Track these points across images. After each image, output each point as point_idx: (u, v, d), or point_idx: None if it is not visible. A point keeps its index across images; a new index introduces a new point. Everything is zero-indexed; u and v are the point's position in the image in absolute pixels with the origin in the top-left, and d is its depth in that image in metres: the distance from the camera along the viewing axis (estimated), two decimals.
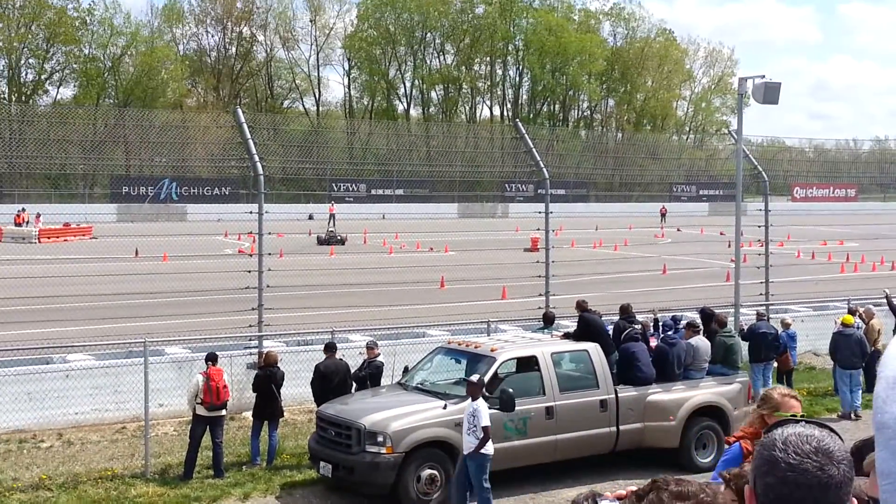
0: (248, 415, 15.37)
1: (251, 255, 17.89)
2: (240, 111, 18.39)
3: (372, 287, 24.19)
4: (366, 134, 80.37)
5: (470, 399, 12.30)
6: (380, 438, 12.58)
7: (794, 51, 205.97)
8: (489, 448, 12.14)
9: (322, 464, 13.13)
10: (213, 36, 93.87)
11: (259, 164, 17.44)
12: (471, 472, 12.17)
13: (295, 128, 74.86)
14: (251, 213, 17.38)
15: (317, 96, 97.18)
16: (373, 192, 67.11)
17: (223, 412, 14.14)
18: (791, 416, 4.85)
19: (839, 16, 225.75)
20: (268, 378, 14.56)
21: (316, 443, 13.45)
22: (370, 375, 15.15)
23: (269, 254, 18.10)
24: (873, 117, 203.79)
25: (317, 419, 13.83)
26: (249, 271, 17.23)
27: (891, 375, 0.66)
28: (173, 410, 16.06)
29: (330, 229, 43.73)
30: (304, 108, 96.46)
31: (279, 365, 14.81)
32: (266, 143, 47.97)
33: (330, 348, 15.17)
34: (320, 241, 41.90)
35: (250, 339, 17.70)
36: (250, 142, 17.59)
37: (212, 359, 14.20)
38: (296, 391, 15.71)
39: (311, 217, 48.99)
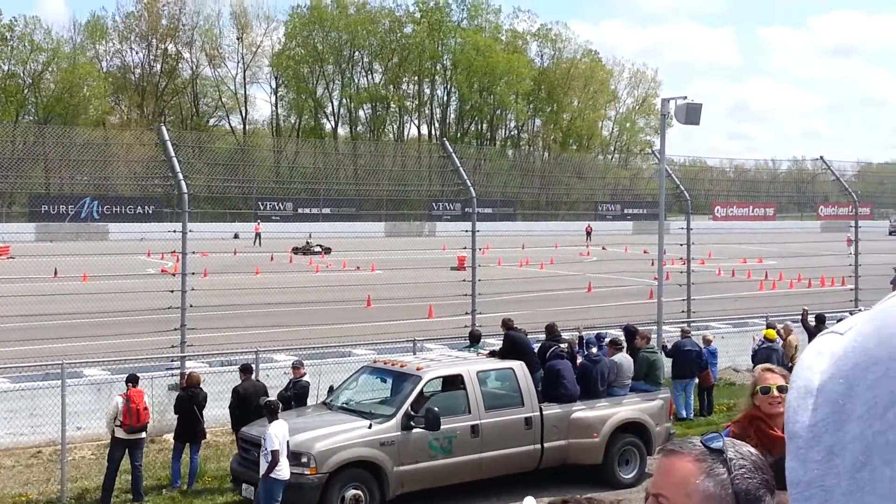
0: (170, 437, 15.11)
1: (174, 275, 17.65)
2: (164, 129, 18.19)
3: (297, 306, 24.02)
4: (293, 152, 79.90)
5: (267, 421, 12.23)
6: (304, 459, 12.46)
7: (714, 72, 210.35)
8: (281, 472, 12.01)
9: (244, 486, 12.96)
10: (137, 53, 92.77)
11: (183, 183, 17.25)
12: (260, 496, 12.06)
13: (221, 146, 74.13)
14: (175, 231, 17.16)
15: (243, 114, 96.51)
16: (299, 210, 66.67)
17: (143, 435, 13.89)
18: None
19: (758, 39, 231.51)
20: (190, 399, 14.34)
21: (238, 465, 13.27)
22: (295, 395, 15.01)
23: (193, 273, 17.87)
24: (790, 138, 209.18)
25: (239, 440, 13.65)
26: (172, 291, 16.98)
27: (801, 385, 0.68)
28: (91, 434, 15.71)
29: (308, 241, 43.45)
30: (231, 127, 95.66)
31: (202, 386, 14.60)
32: (191, 161, 47.39)
33: (246, 370, 15.01)
34: (298, 251, 41.48)
35: (172, 360, 17.43)
36: (174, 160, 17.39)
37: (132, 380, 13.95)
38: (218, 412, 15.49)
39: (236, 236, 48.51)
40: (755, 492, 2.03)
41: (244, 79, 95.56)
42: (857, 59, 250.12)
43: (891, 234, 63.83)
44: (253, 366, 15.42)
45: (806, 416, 0.70)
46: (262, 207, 65.09)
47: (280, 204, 67.40)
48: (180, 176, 17.28)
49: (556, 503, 2.09)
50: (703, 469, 2.08)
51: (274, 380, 15.92)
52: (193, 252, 18.04)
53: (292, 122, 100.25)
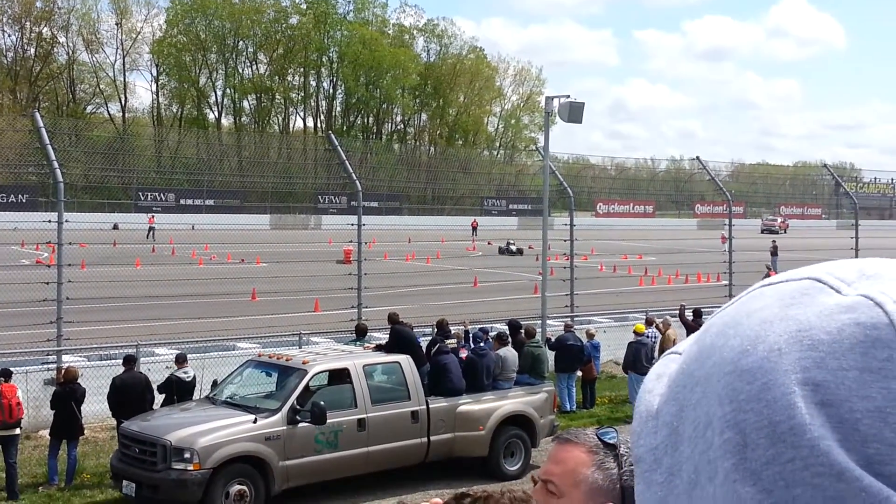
0: (46, 433, 14.63)
1: (50, 266, 17.08)
2: (38, 115, 17.60)
3: (180, 299, 23.52)
4: (175, 142, 78.17)
5: None
6: (187, 455, 12.25)
7: (594, 72, 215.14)
8: None
9: (125, 482, 12.66)
10: (9, 35, 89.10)
11: (59, 171, 16.75)
12: None
13: (99, 134, 71.95)
14: (50, 221, 16.65)
15: (123, 102, 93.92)
16: (182, 202, 65.29)
17: (17, 431, 13.45)
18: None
19: (635, 41, 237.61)
20: (67, 395, 13.92)
21: (119, 461, 12.96)
22: (179, 390, 14.74)
23: (70, 265, 17.35)
24: (666, 137, 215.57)
25: (120, 436, 13.33)
26: (48, 283, 16.46)
27: (643, 410, 0.71)
28: None
29: (509, 242, 42.77)
30: (109, 115, 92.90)
31: (80, 381, 14.19)
32: (67, 149, 45.93)
33: (129, 361, 14.68)
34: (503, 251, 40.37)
35: (48, 354, 16.89)
36: (49, 147, 16.87)
37: (4, 375, 13.49)
38: (97, 408, 15.09)
39: (115, 227, 47.19)
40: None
41: (123, 66, 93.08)
42: (729, 63, 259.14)
43: (763, 232, 66.25)
44: (142, 358, 15.09)
45: (648, 439, 0.73)
46: (142, 198, 63.49)
47: (161, 195, 65.86)
48: (55, 164, 16.80)
49: (456, 496, 2.10)
50: (594, 461, 2.13)
51: (155, 374, 15.58)
52: (70, 243, 17.52)
53: (174, 111, 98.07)
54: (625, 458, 2.12)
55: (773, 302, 0.67)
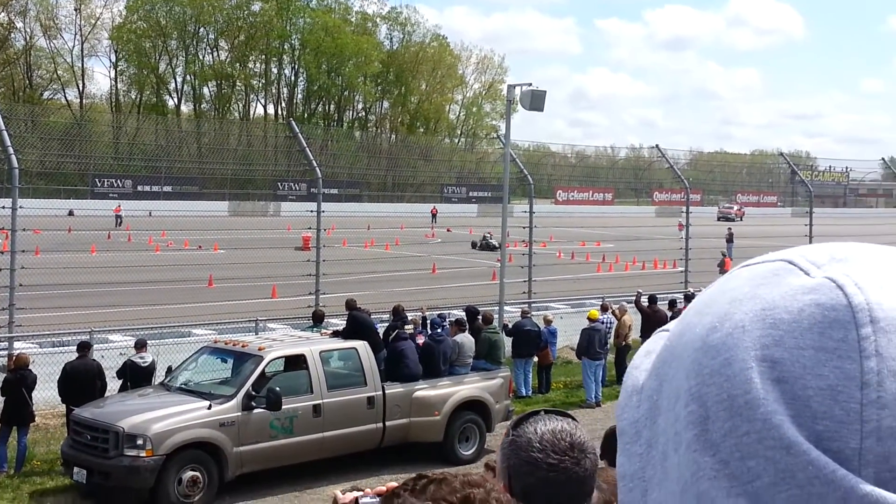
0: None
1: (3, 253, 16.90)
2: None
3: (136, 286, 23.32)
4: (133, 129, 77.33)
5: None
6: (139, 441, 12.20)
7: (556, 60, 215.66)
8: None
9: (76, 469, 12.57)
10: None
11: (14, 157, 16.59)
12: None
13: (56, 120, 70.95)
14: (4, 208, 16.49)
15: (80, 88, 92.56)
16: (139, 188, 64.63)
17: None
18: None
19: (597, 30, 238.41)
20: (18, 381, 13.78)
21: (70, 447, 12.86)
22: (135, 375, 14.64)
23: (24, 251, 17.17)
24: (626, 125, 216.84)
25: (71, 423, 13.22)
26: (0, 269, 16.26)
27: (630, 385, 0.73)
28: None
29: (485, 235, 41.75)
30: (67, 101, 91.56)
31: (31, 367, 14.05)
32: (23, 134, 45.20)
33: (83, 348, 14.56)
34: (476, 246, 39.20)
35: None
36: (4, 133, 16.70)
37: None
38: (49, 395, 14.93)
39: (71, 213, 46.64)
40: (518, 468, 2.18)
41: (82, 52, 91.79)
42: (690, 53, 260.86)
43: (719, 219, 66.86)
44: (91, 344, 14.96)
45: (631, 413, 0.75)
46: (99, 184, 62.77)
47: (119, 181, 65.14)
48: (11, 150, 16.63)
49: (413, 479, 2.12)
50: (502, 444, 2.25)
51: (109, 360, 15.47)
52: (24, 229, 17.34)
53: (133, 97, 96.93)
54: (518, 439, 2.21)
55: (746, 282, 0.69)
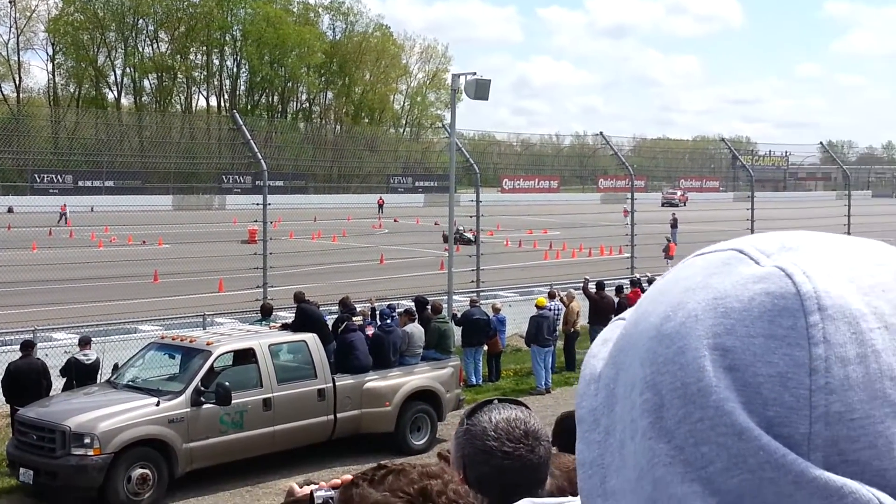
0: None
1: None
2: None
3: (79, 283, 22.97)
4: (72, 123, 75.96)
5: None
6: (87, 440, 12.04)
7: (500, 49, 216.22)
8: None
9: (22, 470, 12.37)
10: None
11: None
12: None
13: None
14: None
15: (17, 82, 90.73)
16: (80, 183, 63.55)
17: None
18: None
19: (539, 18, 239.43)
20: None
21: (15, 448, 12.66)
22: (79, 373, 14.43)
23: None
24: (570, 113, 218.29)
25: (16, 423, 13.00)
26: None
27: (588, 373, 0.74)
28: None
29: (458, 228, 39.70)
30: (3, 95, 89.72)
31: None
32: None
33: (26, 347, 14.32)
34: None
35: None
36: None
37: None
38: None
39: (10, 210, 45.82)
40: (473, 456, 2.19)
41: (17, 45, 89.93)
42: (630, 40, 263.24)
43: (663, 205, 67.57)
44: (35, 343, 14.71)
45: (589, 401, 0.76)
46: (38, 180, 61.67)
47: (59, 176, 64.04)
48: None
49: (374, 469, 2.12)
50: (456, 434, 2.25)
51: (54, 359, 15.22)
52: None
53: (71, 91, 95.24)
54: (473, 427, 2.22)
55: (699, 271, 0.70)
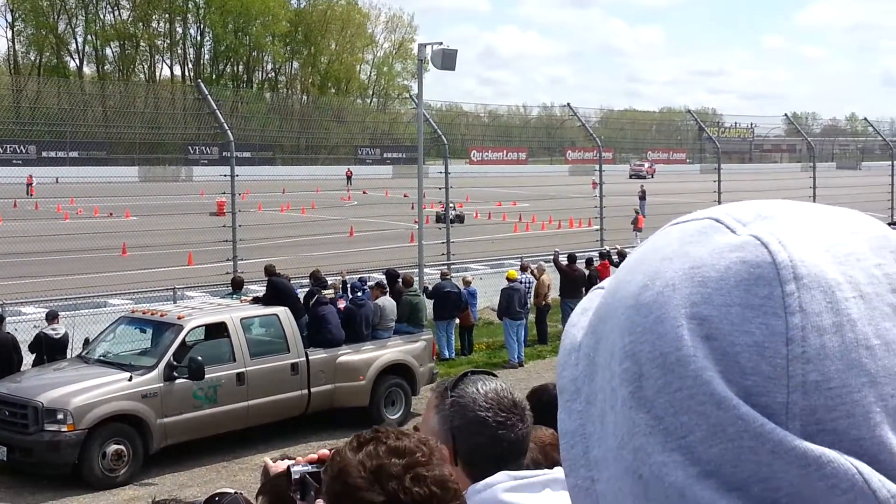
0: None
1: None
2: None
3: (46, 256, 22.72)
4: (34, 92, 74.76)
5: None
6: (60, 416, 11.97)
7: (466, 19, 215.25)
8: None
9: None
10: None
11: None
12: None
13: None
14: None
15: None
16: (44, 154, 62.69)
17: None
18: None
19: None
20: None
21: None
22: (49, 348, 14.31)
23: None
24: (537, 84, 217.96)
25: None
26: None
27: (568, 343, 0.75)
28: None
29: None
30: None
31: None
32: None
33: None
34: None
35: None
36: None
37: None
38: None
39: None
40: (465, 427, 2.19)
41: None
42: (596, 9, 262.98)
43: (631, 177, 67.87)
44: (4, 317, 14.57)
45: (570, 370, 0.77)
46: (2, 150, 60.76)
47: (22, 147, 63.18)
48: None
49: (367, 435, 2.08)
50: (439, 407, 2.24)
51: (23, 333, 15.08)
52: None
53: (32, 59, 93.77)
54: (461, 399, 2.23)
55: (675, 240, 0.71)
